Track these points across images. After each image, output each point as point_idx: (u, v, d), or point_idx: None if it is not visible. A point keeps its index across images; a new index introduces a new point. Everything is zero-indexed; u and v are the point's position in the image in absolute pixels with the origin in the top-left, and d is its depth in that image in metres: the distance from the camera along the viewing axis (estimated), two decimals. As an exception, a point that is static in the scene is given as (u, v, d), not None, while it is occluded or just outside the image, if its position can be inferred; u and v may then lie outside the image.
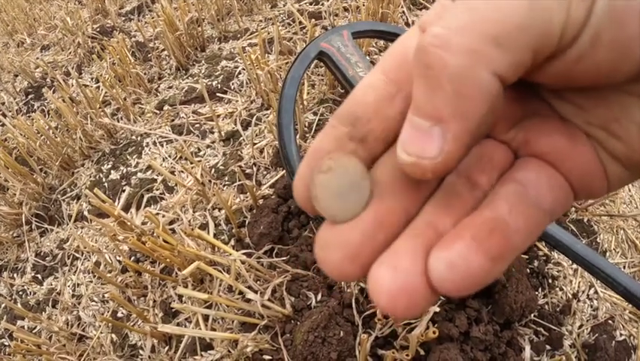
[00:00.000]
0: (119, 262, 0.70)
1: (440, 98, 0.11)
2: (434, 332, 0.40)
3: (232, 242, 0.65)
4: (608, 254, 0.68)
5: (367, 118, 0.13)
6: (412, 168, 0.11)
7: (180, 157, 0.81)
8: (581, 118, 0.13)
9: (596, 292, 0.63)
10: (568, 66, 0.11)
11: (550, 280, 0.62)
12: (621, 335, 0.58)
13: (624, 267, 0.67)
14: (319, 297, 0.55)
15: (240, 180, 0.71)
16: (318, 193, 0.12)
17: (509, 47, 0.10)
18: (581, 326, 0.59)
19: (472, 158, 0.13)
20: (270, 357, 0.52)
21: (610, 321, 0.59)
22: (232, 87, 0.91)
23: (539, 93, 0.13)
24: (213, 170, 0.76)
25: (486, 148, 0.13)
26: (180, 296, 0.62)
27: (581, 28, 0.10)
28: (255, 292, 0.53)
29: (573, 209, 0.71)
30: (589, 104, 0.12)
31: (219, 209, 0.70)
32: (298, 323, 0.53)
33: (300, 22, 0.94)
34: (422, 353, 0.47)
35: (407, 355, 0.44)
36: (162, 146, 0.84)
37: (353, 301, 0.52)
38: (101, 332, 0.65)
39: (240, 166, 0.74)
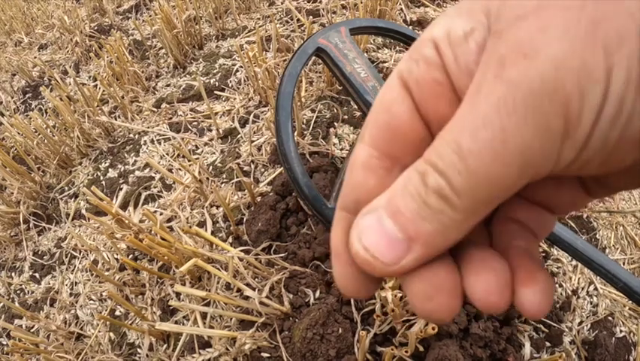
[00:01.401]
0: (117, 260, 0.70)
1: (425, 225, 0.11)
2: (433, 329, 0.40)
3: (230, 239, 0.65)
4: (607, 250, 0.67)
5: (369, 201, 0.13)
6: (361, 261, 0.12)
7: (178, 155, 0.81)
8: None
9: (595, 288, 0.62)
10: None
11: (549, 277, 0.62)
12: (621, 331, 0.58)
13: (624, 263, 0.67)
14: (317, 294, 0.55)
15: (237, 178, 0.71)
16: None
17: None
18: (580, 323, 0.58)
19: None
20: (269, 355, 0.52)
21: (610, 317, 0.59)
22: (230, 85, 0.91)
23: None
24: (211, 167, 0.76)
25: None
26: (178, 294, 0.62)
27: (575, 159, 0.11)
28: (253, 289, 0.53)
29: (572, 205, 0.71)
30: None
31: (217, 206, 0.69)
32: (297, 320, 0.52)
33: (298, 20, 0.94)
34: (421, 349, 0.47)
35: (406, 351, 0.44)
36: (160, 144, 0.84)
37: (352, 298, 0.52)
38: (99, 331, 0.65)
39: (238, 163, 0.74)
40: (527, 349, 0.52)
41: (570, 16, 0.10)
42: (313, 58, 0.56)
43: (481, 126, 0.10)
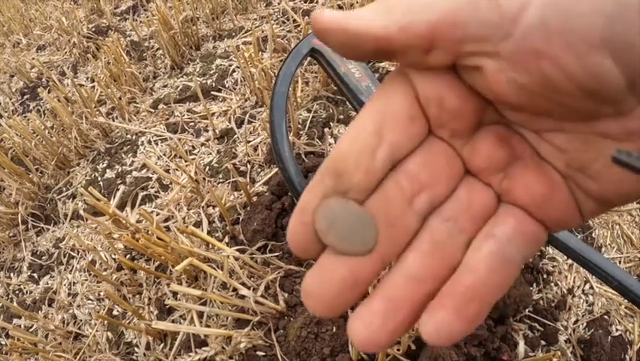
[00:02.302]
0: (115, 260, 0.70)
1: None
2: (425, 327, 0.40)
3: (226, 239, 0.65)
4: (603, 249, 0.68)
5: (350, 172, 0.13)
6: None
7: (175, 155, 0.81)
8: (561, 160, 0.14)
9: (591, 287, 0.62)
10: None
11: (545, 276, 0.62)
12: (617, 330, 0.58)
13: (620, 262, 0.67)
14: (312, 293, 0.55)
15: (233, 178, 0.71)
16: (332, 230, 0.13)
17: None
18: (576, 321, 0.58)
19: (461, 203, 0.14)
20: (264, 353, 0.52)
21: (605, 316, 0.59)
22: (226, 85, 0.91)
23: (522, 133, 0.14)
24: (207, 168, 0.77)
25: (474, 193, 0.14)
26: (175, 293, 0.62)
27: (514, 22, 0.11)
28: (249, 288, 0.53)
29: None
30: (568, 146, 0.13)
31: (213, 206, 0.70)
32: (291, 319, 0.53)
33: (294, 20, 0.94)
34: (414, 348, 0.47)
35: (398, 350, 0.44)
36: (157, 144, 0.85)
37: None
38: (97, 330, 0.65)
39: (234, 164, 0.74)
40: (521, 348, 0.53)
41: None
42: (308, 58, 0.56)
43: None
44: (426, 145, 0.14)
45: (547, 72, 0.11)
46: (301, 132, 0.75)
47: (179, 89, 0.96)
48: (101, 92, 0.99)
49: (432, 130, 0.14)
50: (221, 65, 0.97)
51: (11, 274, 0.81)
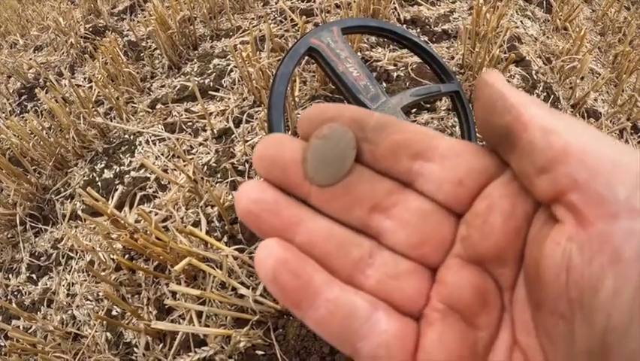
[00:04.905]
0: (113, 260, 0.70)
1: None
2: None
3: (225, 238, 0.65)
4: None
5: (372, 126, 0.14)
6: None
7: (173, 155, 0.81)
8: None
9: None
10: None
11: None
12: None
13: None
14: (311, 292, 0.55)
15: (232, 177, 0.71)
16: (309, 156, 0.13)
17: None
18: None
19: (397, 268, 0.13)
20: (263, 352, 0.52)
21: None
22: (224, 85, 0.91)
23: (503, 318, 0.13)
24: (206, 167, 0.77)
25: (414, 280, 0.13)
26: (174, 293, 0.62)
27: None
28: (248, 287, 0.53)
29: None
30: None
31: (212, 206, 0.70)
32: (291, 318, 0.53)
33: (292, 20, 0.94)
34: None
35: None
36: (155, 144, 0.84)
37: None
38: (96, 331, 0.65)
39: (232, 163, 0.74)
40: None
41: None
42: (306, 58, 0.56)
43: None
44: (442, 210, 0.13)
45: (602, 280, 0.09)
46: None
47: (176, 88, 0.96)
48: (99, 92, 0.99)
49: (460, 214, 0.13)
50: (218, 64, 0.97)
51: (10, 275, 0.81)
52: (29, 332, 0.70)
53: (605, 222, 0.10)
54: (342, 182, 0.13)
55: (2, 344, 0.71)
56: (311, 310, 0.12)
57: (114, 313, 0.67)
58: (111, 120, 0.95)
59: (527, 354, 0.12)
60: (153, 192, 0.77)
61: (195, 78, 0.95)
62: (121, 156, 0.86)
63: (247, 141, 0.77)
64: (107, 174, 0.84)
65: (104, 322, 0.65)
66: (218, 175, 0.74)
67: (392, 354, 0.12)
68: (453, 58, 0.91)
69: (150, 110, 0.93)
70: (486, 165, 0.13)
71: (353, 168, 0.13)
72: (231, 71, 0.93)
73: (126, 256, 0.69)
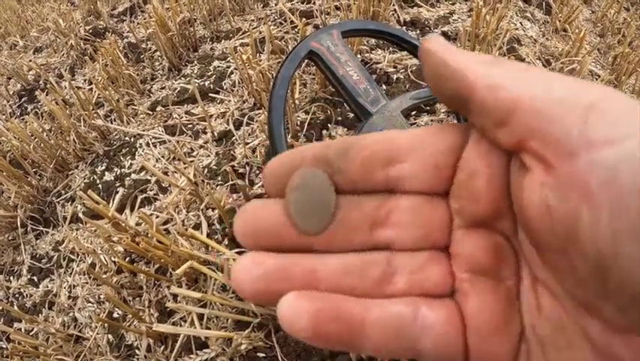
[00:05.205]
0: (114, 263, 0.70)
1: None
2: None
3: (225, 241, 0.66)
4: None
5: (353, 160, 0.14)
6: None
7: (173, 158, 0.81)
8: (531, 319, 0.12)
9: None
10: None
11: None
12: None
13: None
14: (312, 295, 0.55)
15: (232, 180, 0.71)
16: (293, 212, 0.13)
17: None
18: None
19: (416, 263, 0.14)
20: (264, 355, 0.52)
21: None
22: (224, 87, 0.91)
23: (520, 265, 0.13)
24: (206, 170, 0.77)
25: (434, 266, 0.14)
26: (175, 296, 0.62)
27: None
28: (248, 290, 0.53)
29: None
30: (548, 314, 0.12)
31: (213, 209, 0.70)
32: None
33: (292, 22, 0.94)
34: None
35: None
36: (155, 147, 0.85)
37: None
38: (98, 333, 0.65)
39: (233, 166, 0.74)
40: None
41: None
42: (306, 61, 0.56)
43: None
44: (431, 197, 0.14)
45: (580, 217, 0.10)
46: (299, 134, 0.75)
47: (177, 91, 0.96)
48: (99, 94, 0.99)
49: (447, 192, 0.14)
50: (219, 66, 0.97)
51: (11, 278, 0.81)
52: (31, 334, 0.70)
53: (566, 162, 0.10)
54: (335, 220, 0.14)
55: (4, 346, 0.71)
56: (365, 341, 0.12)
57: (116, 315, 0.67)
58: (111, 123, 0.95)
59: (547, 286, 0.12)
60: (154, 194, 0.77)
61: (195, 80, 0.95)
62: (121, 158, 0.86)
63: (247, 143, 0.77)
64: (108, 177, 0.85)
65: (106, 324, 0.65)
66: (219, 178, 0.75)
67: (450, 339, 0.13)
68: (452, 60, 0.91)
69: (150, 113, 0.93)
70: (450, 139, 0.14)
71: (337, 202, 0.14)
72: (231, 73, 0.93)
73: (127, 259, 0.69)
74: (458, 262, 0.14)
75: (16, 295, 0.78)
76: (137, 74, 1.03)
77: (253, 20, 1.10)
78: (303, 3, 1.07)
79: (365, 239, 0.14)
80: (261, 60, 0.83)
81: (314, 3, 1.05)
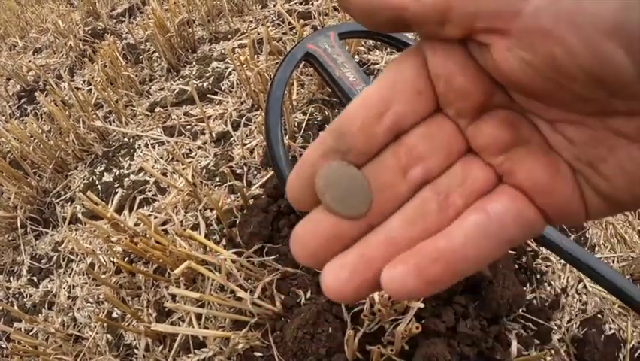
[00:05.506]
0: (113, 263, 0.71)
1: None
2: (417, 328, 0.41)
3: (223, 242, 0.66)
4: (597, 249, 0.68)
5: (352, 134, 0.14)
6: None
7: (172, 158, 0.81)
8: (570, 152, 0.13)
9: (585, 286, 0.63)
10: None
11: (538, 275, 0.63)
12: (611, 328, 0.59)
13: (613, 261, 0.68)
14: (309, 294, 0.56)
15: (230, 181, 0.71)
16: (336, 208, 0.14)
17: None
18: (570, 321, 0.59)
19: (456, 177, 0.14)
20: (261, 354, 0.53)
21: (599, 315, 0.60)
22: (223, 88, 0.92)
23: (534, 121, 0.14)
24: (204, 171, 0.77)
25: (471, 170, 0.14)
26: (173, 296, 0.63)
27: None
28: (246, 290, 0.54)
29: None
30: (579, 139, 0.13)
31: (211, 209, 0.70)
32: (288, 320, 0.53)
33: (290, 23, 0.94)
34: (408, 348, 0.48)
35: (392, 350, 0.45)
36: (154, 148, 0.85)
37: (342, 298, 0.53)
38: (97, 333, 0.66)
39: (231, 167, 0.75)
40: (514, 347, 0.53)
41: None
42: (303, 62, 0.57)
43: None
44: (430, 120, 0.14)
45: (554, 53, 0.11)
46: (297, 135, 0.75)
47: (175, 92, 0.96)
48: (98, 95, 1.00)
49: (439, 107, 0.14)
50: (217, 67, 0.98)
51: (11, 278, 0.82)
52: (31, 334, 0.70)
53: (516, 22, 0.11)
54: (373, 190, 0.14)
55: (4, 346, 0.72)
56: (464, 262, 0.13)
57: (115, 315, 0.67)
58: (110, 124, 0.96)
59: (563, 120, 0.13)
60: (152, 195, 0.77)
61: (194, 81, 0.96)
62: (120, 159, 0.87)
63: (245, 144, 0.77)
64: (107, 178, 0.85)
65: (105, 324, 0.66)
66: (217, 179, 0.75)
67: (525, 214, 0.13)
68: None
69: (149, 114, 0.93)
70: (411, 64, 0.14)
71: (364, 175, 0.14)
72: (230, 74, 0.94)
73: (126, 259, 0.70)
74: (486, 152, 0.14)
75: (16, 296, 0.78)
76: (136, 75, 1.04)
77: (252, 21, 1.10)
78: (301, 4, 1.07)
79: (406, 188, 0.14)
80: (259, 61, 0.83)
81: (312, 4, 1.05)
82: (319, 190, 0.14)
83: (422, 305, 0.47)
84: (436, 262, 0.13)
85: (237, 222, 0.66)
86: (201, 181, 0.74)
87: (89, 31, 1.26)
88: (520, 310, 0.57)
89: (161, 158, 0.82)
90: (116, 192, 0.78)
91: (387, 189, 0.14)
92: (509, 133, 0.14)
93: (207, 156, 0.79)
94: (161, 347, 0.61)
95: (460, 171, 0.14)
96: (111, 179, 0.84)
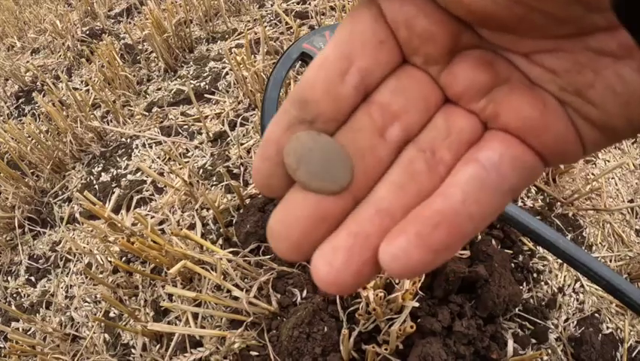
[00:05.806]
0: (110, 263, 0.71)
1: None
2: (412, 327, 0.41)
3: (220, 241, 0.66)
4: (594, 248, 0.68)
5: (315, 99, 0.12)
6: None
7: (169, 158, 0.81)
8: (554, 83, 0.12)
9: (582, 285, 0.63)
10: None
11: (535, 275, 0.63)
12: (608, 328, 0.59)
13: (610, 261, 0.68)
14: (304, 294, 0.56)
15: (226, 181, 0.72)
16: (314, 186, 0.12)
17: None
18: (567, 320, 0.59)
19: (439, 131, 0.13)
20: (257, 353, 0.53)
21: (596, 314, 0.60)
22: (220, 88, 0.92)
23: (509, 58, 0.13)
24: (201, 170, 0.77)
25: (454, 120, 0.13)
26: (170, 295, 0.63)
27: None
28: (242, 289, 0.54)
29: (559, 203, 0.71)
30: (561, 67, 0.12)
31: (207, 209, 0.70)
32: (284, 319, 0.54)
33: (287, 23, 0.95)
34: (403, 347, 0.48)
35: (386, 349, 0.45)
36: (151, 147, 0.85)
37: (337, 297, 0.53)
38: (94, 332, 0.66)
39: (228, 166, 0.75)
40: (510, 346, 0.53)
41: None
42: (299, 62, 0.57)
43: None
44: (399, 73, 0.13)
45: None
46: (294, 134, 0.75)
47: (172, 92, 0.97)
48: (95, 95, 1.00)
49: (405, 57, 0.13)
50: (214, 67, 0.98)
51: (9, 278, 0.82)
52: (28, 333, 0.71)
53: None
54: (352, 157, 0.12)
55: (2, 345, 0.72)
56: (468, 221, 0.11)
57: (112, 315, 0.67)
58: (108, 124, 0.96)
59: (540, 51, 0.12)
60: (149, 195, 0.77)
61: (191, 81, 0.96)
62: (118, 159, 0.87)
63: (242, 144, 0.77)
64: (104, 177, 0.85)
65: (102, 323, 0.66)
66: (214, 178, 0.75)
67: (521, 156, 0.12)
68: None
69: (146, 114, 0.93)
70: (366, 15, 0.13)
71: (339, 142, 0.12)
72: (227, 74, 0.94)
73: (123, 259, 0.70)
74: (466, 98, 0.13)
75: (14, 295, 0.79)
76: (134, 75, 1.04)
77: (249, 21, 1.10)
78: (298, 4, 1.07)
79: (387, 151, 0.13)
80: (255, 61, 0.83)
81: (309, 3, 1.05)
82: (290, 167, 0.12)
83: (417, 304, 0.47)
84: (439, 227, 0.11)
85: (234, 221, 0.66)
86: (198, 181, 0.74)
87: (87, 32, 1.26)
88: (517, 309, 0.57)
89: (158, 158, 0.82)
90: (114, 192, 0.78)
91: (367, 155, 0.12)
92: (486, 73, 0.12)
93: (204, 156, 0.79)
94: (158, 346, 0.61)
95: (441, 123, 0.13)
96: (108, 179, 0.84)
